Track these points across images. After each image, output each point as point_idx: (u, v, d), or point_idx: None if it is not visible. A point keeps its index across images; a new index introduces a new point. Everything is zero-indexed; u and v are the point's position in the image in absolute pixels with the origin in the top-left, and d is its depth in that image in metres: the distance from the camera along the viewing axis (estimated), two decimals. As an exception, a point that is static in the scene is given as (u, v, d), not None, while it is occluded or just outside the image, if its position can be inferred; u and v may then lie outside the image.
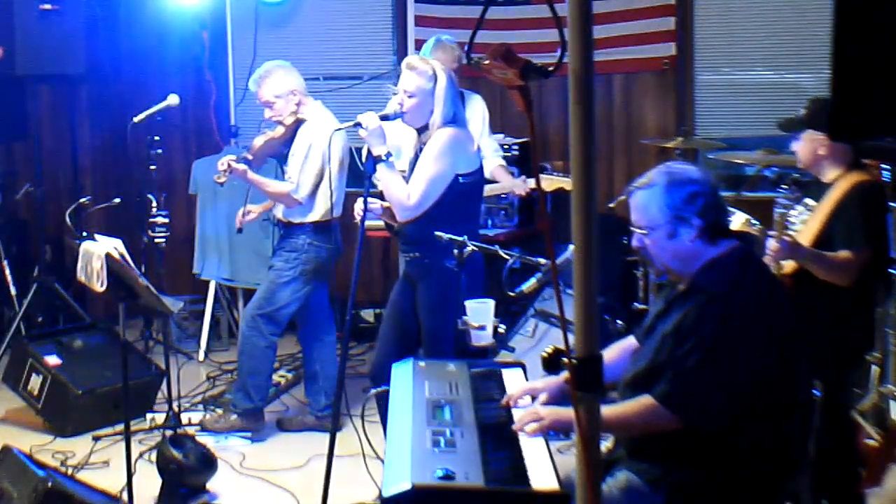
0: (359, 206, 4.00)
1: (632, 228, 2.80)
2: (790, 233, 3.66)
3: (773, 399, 2.62)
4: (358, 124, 3.98)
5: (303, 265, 4.87)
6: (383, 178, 3.98)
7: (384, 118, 3.98)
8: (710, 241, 2.71)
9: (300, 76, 4.93)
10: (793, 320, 2.69)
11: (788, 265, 3.67)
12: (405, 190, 3.96)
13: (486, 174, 5.09)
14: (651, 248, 2.75)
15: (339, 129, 4.35)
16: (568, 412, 2.66)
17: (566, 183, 5.41)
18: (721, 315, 2.60)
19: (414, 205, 3.95)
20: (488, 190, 5.36)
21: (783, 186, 3.76)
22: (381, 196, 4.08)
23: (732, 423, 2.59)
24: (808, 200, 3.85)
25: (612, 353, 3.02)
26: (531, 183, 5.62)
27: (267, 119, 4.95)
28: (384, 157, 3.95)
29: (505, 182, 5.64)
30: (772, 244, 3.53)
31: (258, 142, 4.95)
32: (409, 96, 3.98)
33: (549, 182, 5.64)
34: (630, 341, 3.04)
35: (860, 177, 3.73)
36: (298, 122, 4.88)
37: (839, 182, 3.73)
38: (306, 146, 4.79)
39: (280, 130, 4.90)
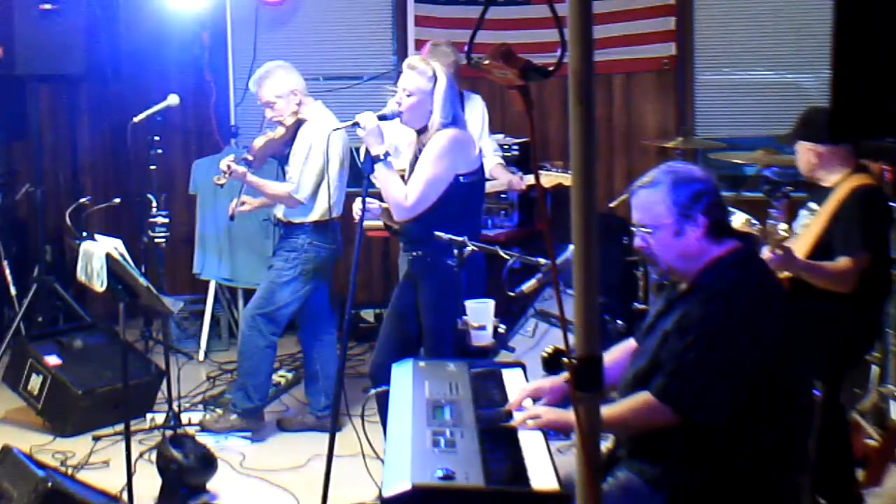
0: (357, 205, 4.00)
1: (633, 228, 2.79)
2: (789, 240, 3.65)
3: (773, 399, 2.62)
4: (356, 124, 3.98)
5: (303, 265, 4.87)
6: (381, 177, 3.97)
7: (382, 118, 3.98)
8: (714, 240, 2.70)
9: (300, 76, 4.93)
10: (793, 320, 2.69)
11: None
12: (403, 190, 3.96)
13: (486, 174, 5.08)
14: (655, 248, 2.74)
15: (337, 128, 4.35)
16: (566, 414, 2.66)
17: (565, 178, 5.40)
18: (722, 313, 2.60)
19: (411, 205, 3.95)
20: (487, 187, 5.33)
21: (774, 197, 3.74)
22: (379, 196, 4.08)
23: (733, 423, 2.59)
24: (812, 205, 3.86)
25: (613, 356, 3.01)
26: (529, 179, 5.60)
27: (268, 119, 4.95)
28: (382, 157, 3.95)
29: (502, 178, 5.62)
30: (765, 256, 3.51)
31: (258, 142, 4.95)
32: (408, 95, 3.98)
33: (549, 178, 5.61)
34: (630, 343, 3.04)
35: (860, 181, 3.73)
36: (299, 123, 4.87)
37: (839, 187, 3.74)
38: (307, 146, 4.79)
39: (280, 131, 4.90)
